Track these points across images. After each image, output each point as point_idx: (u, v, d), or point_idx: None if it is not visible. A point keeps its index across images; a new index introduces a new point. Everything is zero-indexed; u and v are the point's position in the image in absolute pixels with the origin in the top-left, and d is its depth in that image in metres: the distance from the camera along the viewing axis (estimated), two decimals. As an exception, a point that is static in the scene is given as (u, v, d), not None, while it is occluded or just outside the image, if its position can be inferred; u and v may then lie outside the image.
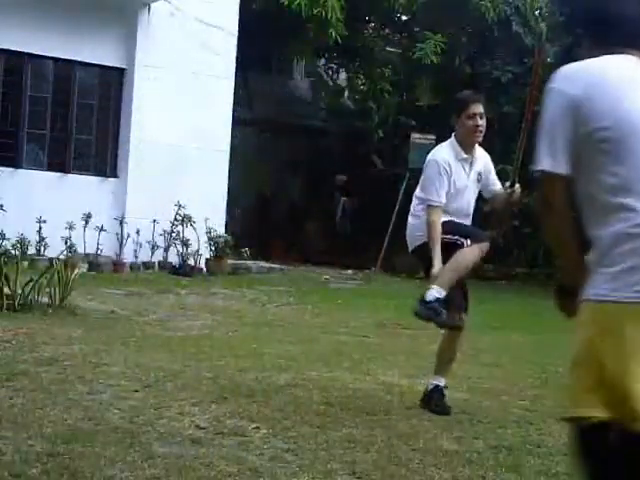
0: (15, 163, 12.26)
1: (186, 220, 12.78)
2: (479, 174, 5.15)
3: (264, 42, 17.89)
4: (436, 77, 18.03)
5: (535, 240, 16.81)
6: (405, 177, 17.41)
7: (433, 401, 5.02)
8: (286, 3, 14.36)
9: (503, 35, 17.76)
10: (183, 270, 12.59)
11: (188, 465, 3.64)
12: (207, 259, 13.16)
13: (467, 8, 17.18)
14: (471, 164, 5.09)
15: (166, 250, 12.90)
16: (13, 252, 10.96)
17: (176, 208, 12.72)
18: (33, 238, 11.68)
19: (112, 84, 12.99)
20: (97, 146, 12.98)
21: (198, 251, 12.95)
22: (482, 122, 4.98)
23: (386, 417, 4.78)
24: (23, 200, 11.87)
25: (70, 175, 12.66)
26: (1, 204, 11.39)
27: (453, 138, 5.09)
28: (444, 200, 4.97)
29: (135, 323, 7.70)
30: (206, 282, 12.01)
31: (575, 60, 2.39)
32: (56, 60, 12.52)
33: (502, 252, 17.37)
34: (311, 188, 19.96)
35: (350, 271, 16.29)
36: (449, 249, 4.89)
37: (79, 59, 12.62)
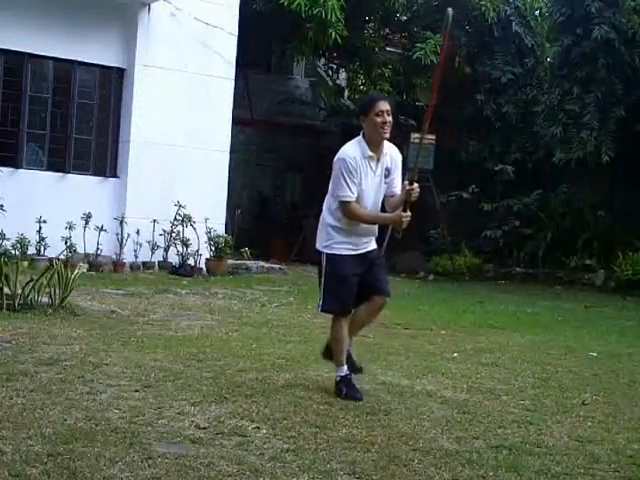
0: (15, 163, 12.27)
1: (186, 220, 12.79)
2: (387, 169, 5.20)
3: (264, 42, 17.92)
4: (436, 77, 18.00)
5: (535, 240, 16.83)
6: (405, 177, 17.41)
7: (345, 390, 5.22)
8: (286, 3, 14.36)
9: (503, 35, 17.76)
10: (183, 270, 12.59)
11: (188, 465, 3.64)
12: (207, 259, 13.17)
13: (467, 8, 17.19)
14: (378, 161, 5.15)
15: (166, 250, 12.91)
16: (13, 252, 10.99)
17: (176, 208, 12.73)
18: (33, 238, 11.68)
19: (112, 84, 13.00)
20: (97, 146, 12.98)
21: (198, 251, 12.95)
22: (389, 119, 5.08)
23: (386, 417, 4.78)
24: (23, 200, 11.88)
25: (70, 175, 12.66)
26: (1, 204, 11.40)
27: (361, 136, 5.18)
28: (355, 195, 5.07)
29: (135, 323, 7.70)
30: (206, 282, 12.02)
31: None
32: (56, 60, 12.53)
33: (502, 252, 17.42)
34: (311, 188, 19.95)
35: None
36: None
37: (79, 59, 12.63)
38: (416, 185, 5.05)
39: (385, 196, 5.28)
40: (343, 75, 20.33)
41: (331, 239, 5.18)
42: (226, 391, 5.07)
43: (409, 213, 5.07)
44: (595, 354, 7.74)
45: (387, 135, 5.12)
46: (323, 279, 5.23)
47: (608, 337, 9.24)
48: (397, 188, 5.26)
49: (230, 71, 13.70)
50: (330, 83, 19.53)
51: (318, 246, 5.27)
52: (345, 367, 5.28)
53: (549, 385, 6.11)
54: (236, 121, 14.59)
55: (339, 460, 3.89)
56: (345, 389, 5.19)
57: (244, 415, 4.56)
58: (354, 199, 5.08)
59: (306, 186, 20.43)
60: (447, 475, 3.80)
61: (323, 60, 19.45)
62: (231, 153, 13.97)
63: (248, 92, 17.99)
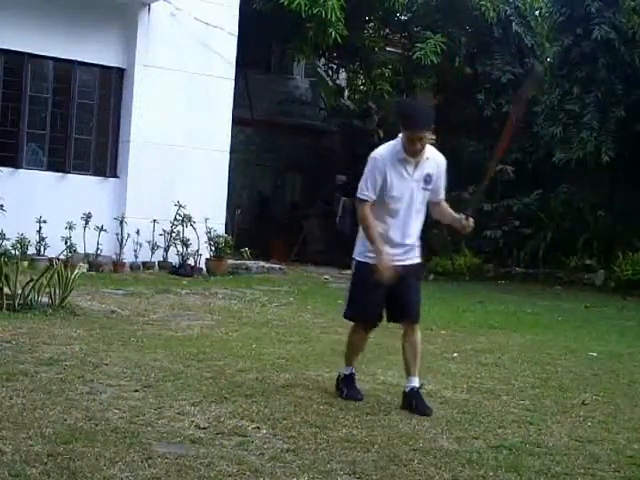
0: (15, 163, 12.27)
1: (186, 220, 12.79)
2: (428, 175, 5.01)
3: (264, 42, 17.92)
4: (436, 77, 18.04)
5: (535, 240, 16.83)
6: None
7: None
8: (286, 3, 14.36)
9: (503, 35, 17.77)
10: (183, 270, 12.59)
11: (188, 465, 3.64)
12: (207, 259, 13.17)
13: (467, 8, 17.19)
14: (416, 165, 4.96)
15: (166, 250, 12.90)
16: (13, 252, 10.98)
17: (176, 208, 12.72)
18: (33, 238, 11.68)
19: (112, 84, 12.99)
20: (97, 146, 12.97)
21: (198, 251, 12.95)
22: (419, 147, 4.88)
23: (386, 417, 4.78)
24: (23, 200, 11.87)
25: (70, 175, 12.66)
26: (1, 204, 11.40)
27: (400, 137, 5.01)
28: (373, 196, 4.95)
29: (135, 323, 7.70)
30: (206, 282, 12.01)
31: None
32: (56, 60, 12.53)
33: (502, 252, 17.42)
34: (311, 188, 19.97)
35: (350, 271, 16.27)
36: None
37: (79, 59, 12.63)
38: (472, 222, 5.00)
39: (430, 202, 5.13)
40: (343, 75, 20.34)
41: (364, 247, 5.07)
42: (226, 391, 5.08)
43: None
44: (595, 354, 7.74)
45: (416, 155, 4.93)
46: (350, 285, 5.21)
47: (608, 337, 9.24)
48: (441, 195, 5.15)
49: (230, 71, 13.70)
50: (330, 83, 19.54)
51: (353, 254, 5.20)
52: (352, 367, 5.30)
53: (549, 385, 6.12)
54: (236, 121, 14.58)
55: (339, 460, 3.89)
56: (346, 390, 5.19)
57: (244, 415, 4.56)
58: (370, 200, 4.94)
59: (306, 186, 20.44)
60: (447, 475, 3.81)
61: (323, 60, 19.45)
62: (231, 153, 13.97)
63: (248, 92, 18.00)
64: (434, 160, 5.05)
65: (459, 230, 5.12)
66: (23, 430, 3.93)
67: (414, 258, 5.11)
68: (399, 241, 5.02)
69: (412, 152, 4.93)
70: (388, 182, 4.93)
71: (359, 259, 5.12)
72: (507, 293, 14.14)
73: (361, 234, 5.12)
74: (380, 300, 5.05)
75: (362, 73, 19.42)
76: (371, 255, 4.99)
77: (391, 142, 5.08)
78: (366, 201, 4.97)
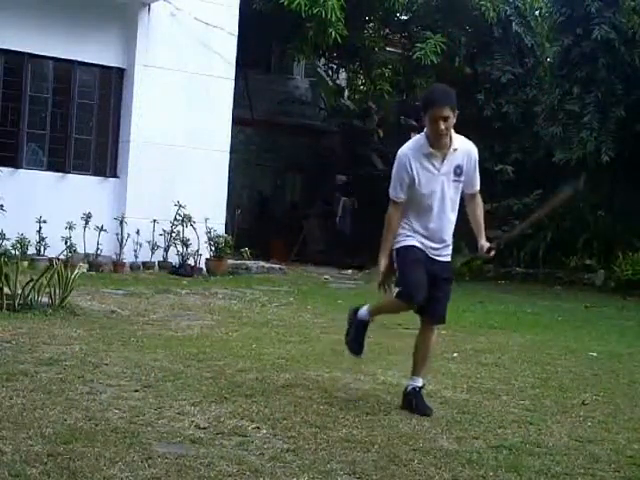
0: (15, 163, 12.27)
1: (186, 220, 12.79)
2: (458, 167, 4.84)
3: (264, 42, 17.92)
4: (436, 77, 18.04)
5: (535, 240, 16.82)
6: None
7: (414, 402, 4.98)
8: (286, 3, 14.36)
9: (503, 35, 17.77)
10: (183, 270, 12.59)
11: (188, 465, 3.64)
12: (207, 259, 13.17)
13: (467, 8, 17.20)
14: (444, 158, 4.80)
15: (166, 250, 12.91)
16: (13, 252, 10.98)
17: (176, 208, 12.73)
18: (33, 238, 11.68)
19: (112, 84, 13.00)
20: (97, 146, 12.98)
21: (198, 251, 12.96)
22: (444, 127, 4.70)
23: (386, 417, 4.78)
24: (23, 200, 11.88)
25: (70, 175, 12.67)
26: (1, 204, 11.40)
27: (423, 133, 4.88)
28: (402, 196, 4.84)
29: (135, 323, 7.70)
30: (206, 282, 12.02)
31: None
32: (56, 60, 12.53)
33: (502, 252, 17.41)
34: (311, 188, 19.98)
35: (350, 271, 16.29)
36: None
37: (79, 59, 12.63)
38: (492, 254, 4.96)
39: (465, 194, 5.00)
40: (343, 75, 20.35)
41: (399, 236, 4.92)
42: (226, 391, 5.07)
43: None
44: (595, 354, 7.74)
45: (444, 140, 4.78)
46: (398, 273, 4.96)
47: (608, 337, 9.24)
48: (476, 186, 4.99)
49: (230, 71, 13.70)
50: (330, 83, 19.55)
51: (393, 247, 5.02)
52: (370, 318, 5.13)
53: (549, 385, 6.11)
54: (236, 121, 14.59)
55: (339, 460, 3.89)
56: (354, 334, 5.13)
57: (244, 415, 4.56)
58: (399, 200, 4.84)
59: (306, 186, 20.45)
60: (447, 475, 3.80)
61: (323, 60, 19.46)
62: (231, 153, 13.97)
63: (248, 92, 18.00)
64: (463, 150, 4.87)
65: (478, 250, 5.05)
66: (23, 430, 3.93)
67: (447, 256, 5.00)
68: (439, 236, 4.91)
69: (437, 137, 4.75)
70: (416, 179, 4.80)
71: (396, 247, 4.93)
72: (507, 293, 14.14)
73: (399, 229, 4.96)
74: (425, 279, 4.83)
75: (362, 73, 19.43)
76: (405, 239, 4.88)
77: (416, 136, 4.97)
78: (395, 202, 4.86)
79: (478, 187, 5.03)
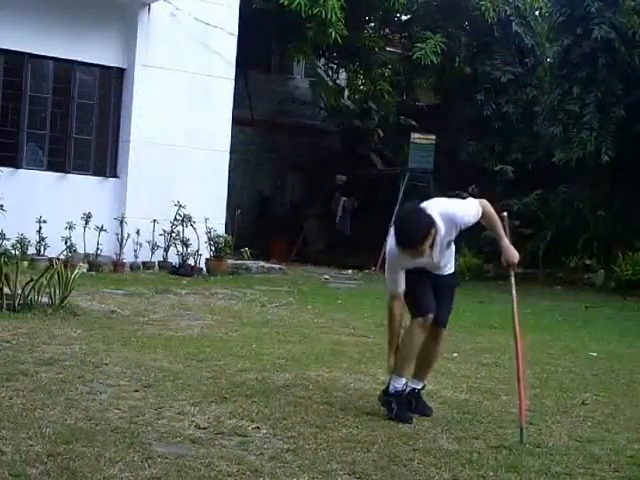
0: (15, 163, 12.28)
1: (186, 220, 12.79)
2: (446, 239, 4.78)
3: (264, 42, 17.92)
4: (436, 77, 18.05)
5: (535, 240, 16.82)
6: (405, 177, 17.42)
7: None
8: (286, 3, 14.37)
9: (503, 35, 17.77)
10: (183, 270, 12.59)
11: (188, 465, 3.64)
12: (207, 259, 13.17)
13: (467, 8, 17.21)
14: (432, 246, 4.69)
15: (166, 250, 12.91)
16: (13, 252, 10.98)
17: (176, 208, 12.73)
18: (33, 238, 11.68)
19: (112, 84, 13.00)
20: (97, 146, 12.98)
21: (198, 251, 12.95)
22: (420, 252, 4.57)
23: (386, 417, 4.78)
24: (23, 200, 11.87)
25: (70, 175, 12.67)
26: (1, 204, 11.40)
27: None
28: (401, 287, 4.81)
29: (135, 323, 7.70)
30: (206, 282, 12.01)
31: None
32: (56, 60, 12.53)
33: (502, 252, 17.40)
34: (311, 188, 19.96)
35: (350, 271, 16.29)
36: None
37: (79, 59, 12.64)
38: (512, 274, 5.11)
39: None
40: (343, 75, 20.33)
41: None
42: (226, 391, 5.07)
43: None
44: (595, 354, 7.74)
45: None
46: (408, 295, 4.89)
47: (608, 337, 9.24)
48: (473, 221, 4.83)
49: (230, 71, 13.70)
50: (330, 83, 19.53)
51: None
52: (403, 380, 4.86)
53: (549, 385, 6.12)
54: (236, 121, 14.59)
55: (339, 460, 3.89)
56: (396, 407, 4.78)
57: (244, 415, 4.56)
58: (399, 291, 4.79)
59: (306, 186, 20.43)
60: (447, 475, 3.80)
61: (323, 60, 19.46)
62: (231, 153, 13.97)
63: (248, 92, 18.00)
64: (446, 223, 4.70)
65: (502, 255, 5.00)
66: (23, 430, 3.93)
67: (451, 269, 5.04)
68: (440, 267, 4.92)
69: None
70: (410, 265, 4.75)
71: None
72: (507, 293, 14.05)
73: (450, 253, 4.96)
74: (431, 291, 4.85)
75: (362, 73, 19.42)
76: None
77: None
78: (393, 296, 4.81)
79: (477, 219, 4.85)
